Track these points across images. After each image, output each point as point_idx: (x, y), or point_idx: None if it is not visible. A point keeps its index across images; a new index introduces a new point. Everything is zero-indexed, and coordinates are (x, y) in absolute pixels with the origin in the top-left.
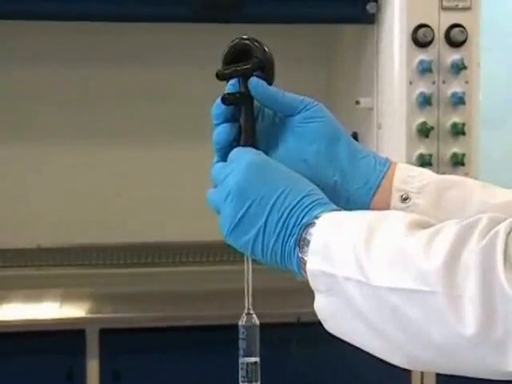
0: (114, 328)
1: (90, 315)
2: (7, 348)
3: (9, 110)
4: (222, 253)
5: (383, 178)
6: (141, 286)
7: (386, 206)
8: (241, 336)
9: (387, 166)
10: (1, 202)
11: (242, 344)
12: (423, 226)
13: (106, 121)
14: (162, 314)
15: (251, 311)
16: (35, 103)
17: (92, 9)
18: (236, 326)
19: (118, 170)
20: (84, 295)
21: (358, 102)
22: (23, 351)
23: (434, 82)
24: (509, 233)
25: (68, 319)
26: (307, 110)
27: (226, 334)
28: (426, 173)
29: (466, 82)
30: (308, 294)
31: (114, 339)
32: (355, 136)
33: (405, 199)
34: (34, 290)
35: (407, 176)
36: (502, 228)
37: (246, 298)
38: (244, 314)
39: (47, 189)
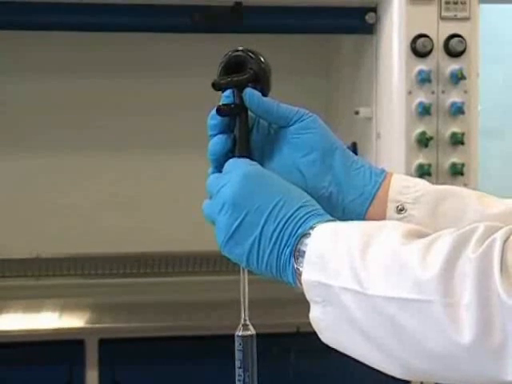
0: (114, 338)
1: (89, 325)
2: (7, 358)
3: (9, 120)
4: (221, 263)
5: (379, 188)
6: (140, 296)
7: (382, 217)
8: (237, 347)
9: (383, 176)
10: (0, 211)
11: (238, 355)
12: (419, 235)
13: (106, 132)
14: (161, 324)
15: (247, 322)
16: (37, 113)
17: (93, 20)
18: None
19: (117, 180)
20: (83, 305)
21: (357, 112)
22: (23, 361)
23: (433, 92)
24: (505, 241)
25: (67, 329)
26: (302, 120)
27: (225, 344)
28: (422, 183)
29: (465, 92)
30: (307, 304)
31: (114, 349)
32: (354, 146)
33: (400, 210)
34: (33, 300)
35: (403, 187)
36: (499, 236)
37: (243, 309)
38: (240, 325)
39: (46, 199)
